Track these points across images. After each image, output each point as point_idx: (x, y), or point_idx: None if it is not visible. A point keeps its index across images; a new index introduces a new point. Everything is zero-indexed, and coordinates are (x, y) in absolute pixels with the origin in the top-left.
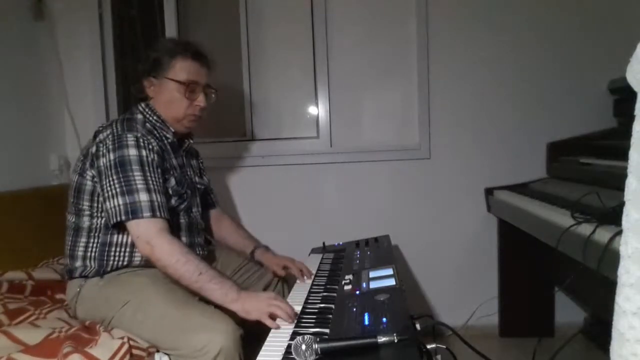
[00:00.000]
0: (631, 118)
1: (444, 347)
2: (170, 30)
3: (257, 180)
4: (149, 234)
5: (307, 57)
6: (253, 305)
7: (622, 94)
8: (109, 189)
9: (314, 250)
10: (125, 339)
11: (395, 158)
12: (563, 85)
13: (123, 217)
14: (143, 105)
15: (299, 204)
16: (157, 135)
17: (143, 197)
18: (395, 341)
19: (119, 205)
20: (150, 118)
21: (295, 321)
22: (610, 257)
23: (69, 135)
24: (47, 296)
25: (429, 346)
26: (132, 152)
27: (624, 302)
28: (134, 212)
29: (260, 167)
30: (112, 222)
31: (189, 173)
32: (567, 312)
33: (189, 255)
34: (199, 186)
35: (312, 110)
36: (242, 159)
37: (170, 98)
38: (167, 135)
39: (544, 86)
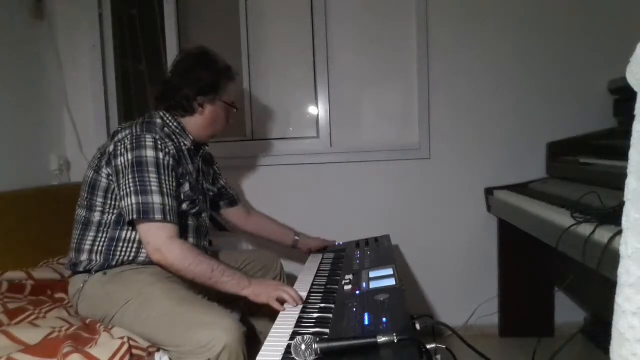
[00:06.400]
0: (631, 118)
1: (444, 347)
2: (170, 30)
3: (257, 181)
4: (159, 242)
5: (307, 57)
6: (262, 289)
7: (622, 94)
8: (124, 187)
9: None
10: (126, 339)
11: (395, 158)
12: (563, 85)
13: (135, 216)
14: (163, 111)
15: (299, 204)
16: (175, 141)
17: (156, 199)
18: (395, 341)
19: (132, 204)
20: (170, 124)
21: (296, 321)
22: (610, 257)
23: (69, 135)
24: (46, 296)
25: (429, 346)
26: (150, 153)
27: (624, 302)
28: (145, 212)
29: (260, 167)
30: (127, 219)
31: (201, 179)
32: (567, 312)
33: (200, 257)
34: (210, 193)
35: (312, 110)
36: (242, 159)
37: (217, 118)
38: (185, 142)
39: (544, 86)
